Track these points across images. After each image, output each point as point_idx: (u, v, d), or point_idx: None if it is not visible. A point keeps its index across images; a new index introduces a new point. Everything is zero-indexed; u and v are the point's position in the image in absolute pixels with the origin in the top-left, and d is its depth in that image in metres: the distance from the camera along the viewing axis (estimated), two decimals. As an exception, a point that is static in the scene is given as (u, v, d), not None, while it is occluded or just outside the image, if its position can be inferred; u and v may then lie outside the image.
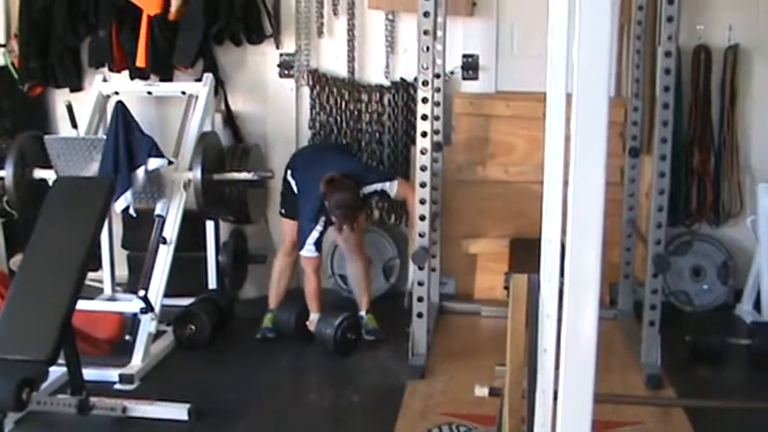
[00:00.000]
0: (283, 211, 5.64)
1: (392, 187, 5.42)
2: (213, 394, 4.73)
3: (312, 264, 5.42)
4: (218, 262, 6.02)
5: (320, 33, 6.29)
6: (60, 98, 6.27)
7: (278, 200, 5.76)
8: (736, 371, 5.23)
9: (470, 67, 6.23)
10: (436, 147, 5.48)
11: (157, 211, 5.32)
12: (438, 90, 5.53)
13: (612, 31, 1.63)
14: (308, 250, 5.35)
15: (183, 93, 5.94)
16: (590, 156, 1.67)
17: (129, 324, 5.18)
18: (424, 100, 4.96)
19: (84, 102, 5.95)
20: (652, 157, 4.96)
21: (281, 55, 6.32)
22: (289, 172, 5.58)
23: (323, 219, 5.29)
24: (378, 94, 6.30)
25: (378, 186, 5.42)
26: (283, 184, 5.61)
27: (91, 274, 5.07)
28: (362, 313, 5.60)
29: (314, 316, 5.44)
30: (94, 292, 5.84)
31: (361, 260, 5.69)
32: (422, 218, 4.99)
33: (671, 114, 4.68)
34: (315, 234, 5.31)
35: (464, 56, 6.22)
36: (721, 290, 6.15)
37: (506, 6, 6.16)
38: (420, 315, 5.06)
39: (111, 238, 5.91)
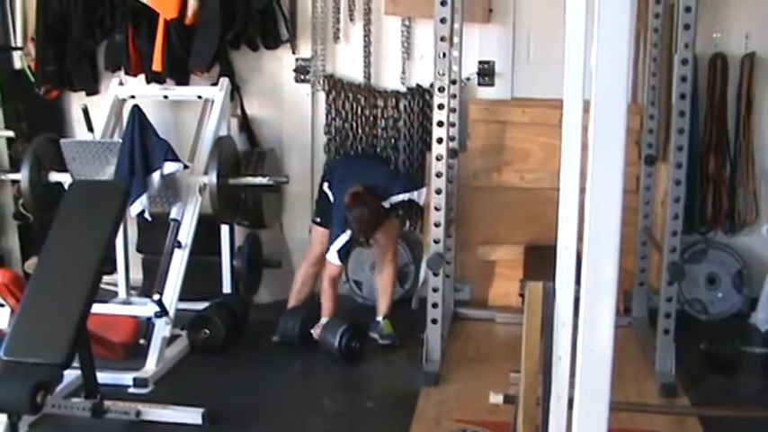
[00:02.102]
0: (318, 219, 5.66)
1: (420, 195, 5.44)
2: (227, 399, 4.74)
3: (332, 272, 5.44)
4: (232, 266, 6.01)
5: (336, 39, 6.29)
6: (76, 101, 6.30)
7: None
8: (750, 380, 5.19)
9: (486, 73, 6.21)
10: (452, 153, 5.49)
11: (172, 215, 5.33)
12: (454, 96, 5.54)
13: (630, 39, 1.62)
14: (332, 256, 5.38)
15: (199, 97, 5.94)
16: (608, 163, 1.67)
17: (144, 328, 5.20)
18: (440, 106, 4.94)
19: (100, 105, 5.96)
20: (668, 165, 4.96)
21: (297, 60, 6.31)
22: (326, 184, 5.61)
23: (350, 230, 5.31)
24: (393, 100, 6.29)
25: (404, 196, 5.44)
26: (319, 194, 5.66)
27: (106, 278, 5.07)
28: (379, 318, 5.59)
29: (323, 320, 5.43)
30: (109, 296, 5.87)
31: (393, 268, 5.69)
32: (437, 224, 4.98)
33: (687, 122, 4.67)
34: (341, 240, 5.33)
35: (480, 62, 6.20)
36: (736, 298, 6.11)
37: (523, 13, 6.13)
38: (435, 321, 5.05)
39: (126, 241, 5.93)
